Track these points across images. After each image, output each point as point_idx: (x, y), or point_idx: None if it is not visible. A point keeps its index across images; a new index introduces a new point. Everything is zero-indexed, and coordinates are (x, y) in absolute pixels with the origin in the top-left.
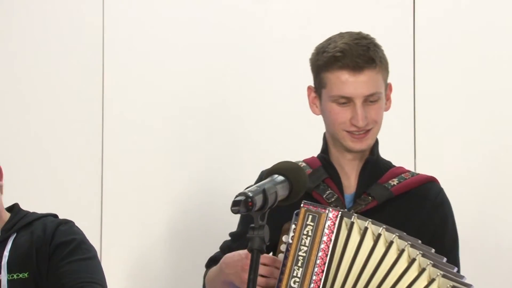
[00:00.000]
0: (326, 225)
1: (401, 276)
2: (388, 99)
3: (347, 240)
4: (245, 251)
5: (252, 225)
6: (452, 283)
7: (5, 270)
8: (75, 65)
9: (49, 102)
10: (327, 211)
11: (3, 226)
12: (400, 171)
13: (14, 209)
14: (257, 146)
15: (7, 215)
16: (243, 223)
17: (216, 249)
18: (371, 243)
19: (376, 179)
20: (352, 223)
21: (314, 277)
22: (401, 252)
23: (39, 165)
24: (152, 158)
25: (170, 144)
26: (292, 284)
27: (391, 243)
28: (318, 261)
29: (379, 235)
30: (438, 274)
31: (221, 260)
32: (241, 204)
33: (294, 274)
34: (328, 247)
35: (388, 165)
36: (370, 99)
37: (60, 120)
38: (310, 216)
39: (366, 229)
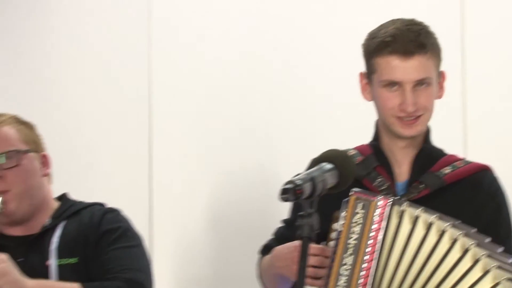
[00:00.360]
0: (376, 213)
1: (453, 266)
2: (441, 87)
3: (398, 228)
4: (294, 243)
5: (301, 213)
6: (508, 275)
7: (55, 255)
8: (121, 49)
9: (94, 91)
10: (376, 199)
11: (52, 214)
12: (453, 159)
13: (63, 198)
14: (306, 135)
15: (56, 204)
16: (295, 210)
17: (264, 238)
18: (423, 232)
19: (429, 167)
20: (403, 211)
21: (364, 265)
22: (453, 242)
23: (88, 156)
24: (200, 148)
25: (220, 133)
26: (342, 272)
27: (443, 232)
28: (368, 249)
29: (431, 223)
30: (493, 265)
31: (271, 254)
32: (290, 192)
33: (344, 262)
34: (378, 235)
35: (440, 153)
36: (420, 84)
37: (107, 109)
38: (360, 204)
39: (417, 217)
